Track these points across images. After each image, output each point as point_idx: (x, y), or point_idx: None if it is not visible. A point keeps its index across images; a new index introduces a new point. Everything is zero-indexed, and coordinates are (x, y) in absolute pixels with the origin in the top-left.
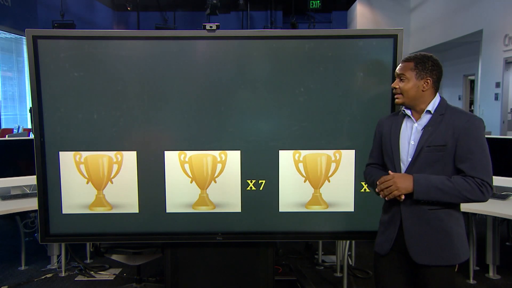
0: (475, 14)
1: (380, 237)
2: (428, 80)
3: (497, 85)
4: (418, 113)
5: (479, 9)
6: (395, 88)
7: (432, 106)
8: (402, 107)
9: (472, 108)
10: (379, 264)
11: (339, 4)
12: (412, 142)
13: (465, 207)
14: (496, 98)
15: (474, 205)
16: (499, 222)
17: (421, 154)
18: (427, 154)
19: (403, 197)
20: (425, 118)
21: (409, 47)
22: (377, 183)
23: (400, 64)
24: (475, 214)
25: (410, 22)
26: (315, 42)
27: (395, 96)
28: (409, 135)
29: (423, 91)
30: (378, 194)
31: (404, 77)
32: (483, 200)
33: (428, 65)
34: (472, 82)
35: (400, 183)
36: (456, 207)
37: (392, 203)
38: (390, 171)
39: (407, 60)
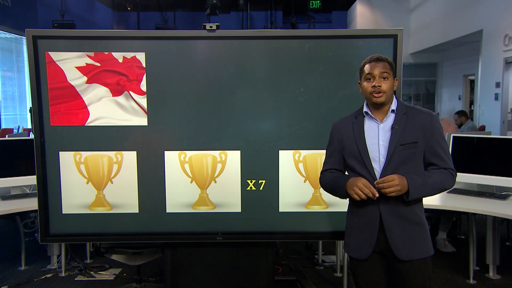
0: (475, 14)
1: (355, 242)
2: (396, 80)
3: (497, 85)
4: (382, 113)
5: (479, 9)
6: (379, 86)
7: (394, 105)
8: (364, 108)
9: (472, 108)
10: (359, 269)
11: (339, 4)
12: (381, 142)
13: (465, 207)
14: (496, 98)
15: (474, 205)
16: (499, 222)
17: (395, 153)
18: (401, 152)
19: (377, 195)
20: (390, 118)
21: (409, 47)
22: (375, 182)
23: (375, 63)
24: (475, 214)
25: (410, 22)
26: (315, 42)
27: (378, 95)
28: (376, 135)
29: (394, 90)
30: (345, 197)
31: (387, 75)
32: (452, 187)
33: (393, 66)
34: (472, 82)
35: (401, 183)
36: (422, 199)
37: (366, 205)
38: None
39: (382, 59)
